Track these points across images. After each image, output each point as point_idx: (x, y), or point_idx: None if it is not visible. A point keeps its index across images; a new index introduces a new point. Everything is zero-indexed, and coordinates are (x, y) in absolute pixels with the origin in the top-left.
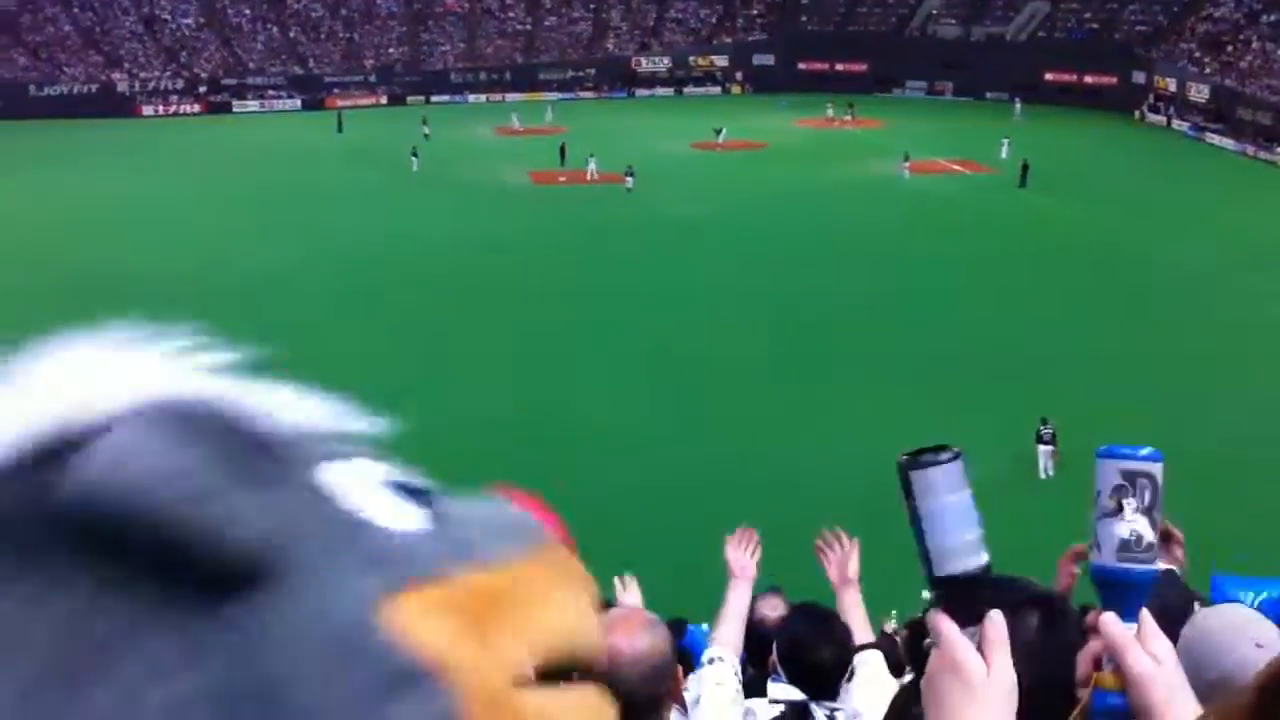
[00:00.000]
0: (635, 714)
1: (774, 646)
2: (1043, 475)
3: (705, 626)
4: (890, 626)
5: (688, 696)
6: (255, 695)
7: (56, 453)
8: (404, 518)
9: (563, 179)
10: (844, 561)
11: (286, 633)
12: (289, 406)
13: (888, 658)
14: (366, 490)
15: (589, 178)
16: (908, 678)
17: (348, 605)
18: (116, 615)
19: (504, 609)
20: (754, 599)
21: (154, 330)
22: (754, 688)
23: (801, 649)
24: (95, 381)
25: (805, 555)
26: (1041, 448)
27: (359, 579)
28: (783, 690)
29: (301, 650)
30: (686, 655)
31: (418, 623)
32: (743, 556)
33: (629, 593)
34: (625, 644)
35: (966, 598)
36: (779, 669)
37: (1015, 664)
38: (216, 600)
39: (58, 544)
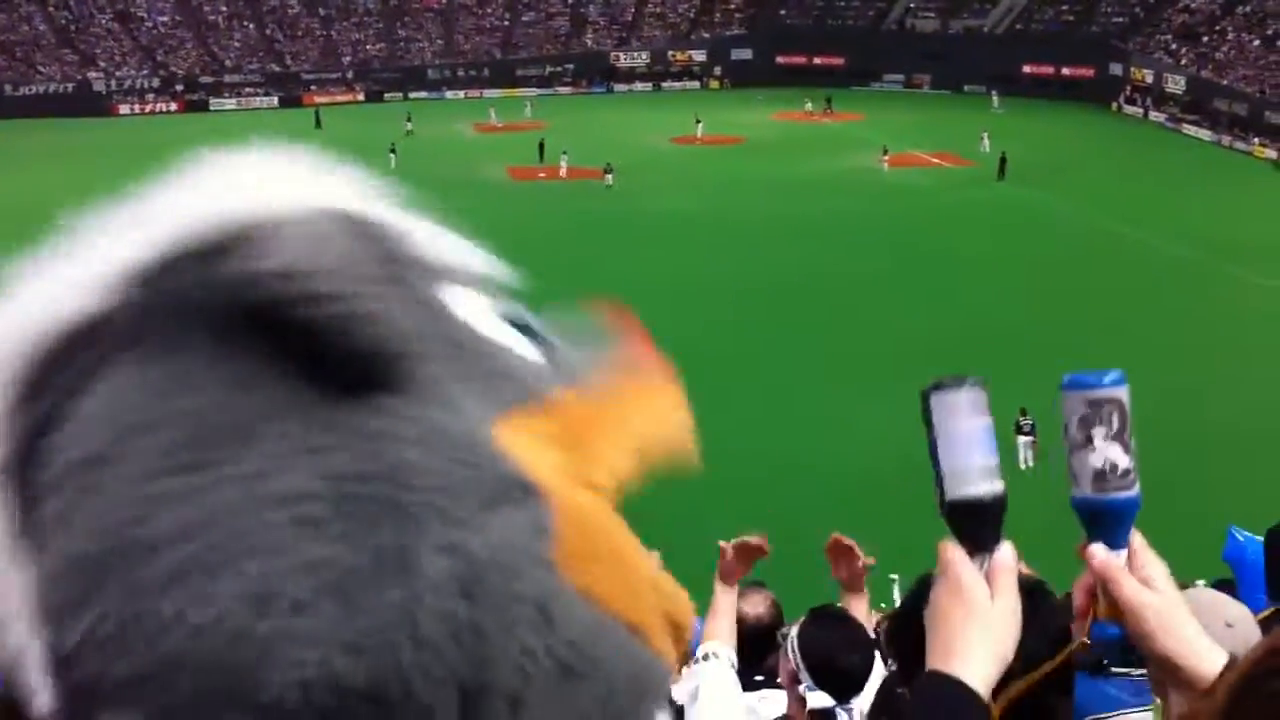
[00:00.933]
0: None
1: (797, 654)
2: (1022, 466)
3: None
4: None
5: (683, 692)
6: (374, 488)
7: (228, 245)
8: (519, 346)
9: (542, 175)
10: (852, 564)
11: (414, 431)
12: (433, 236)
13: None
14: (490, 318)
15: (560, 174)
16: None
17: (467, 415)
18: (259, 398)
19: (602, 428)
20: (738, 594)
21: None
22: (747, 684)
23: (835, 658)
24: (269, 184)
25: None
26: (1021, 438)
27: (478, 394)
28: (815, 698)
29: (425, 448)
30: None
31: (523, 442)
32: (731, 565)
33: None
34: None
35: (976, 530)
36: (805, 676)
37: None
38: (354, 394)
39: (216, 324)
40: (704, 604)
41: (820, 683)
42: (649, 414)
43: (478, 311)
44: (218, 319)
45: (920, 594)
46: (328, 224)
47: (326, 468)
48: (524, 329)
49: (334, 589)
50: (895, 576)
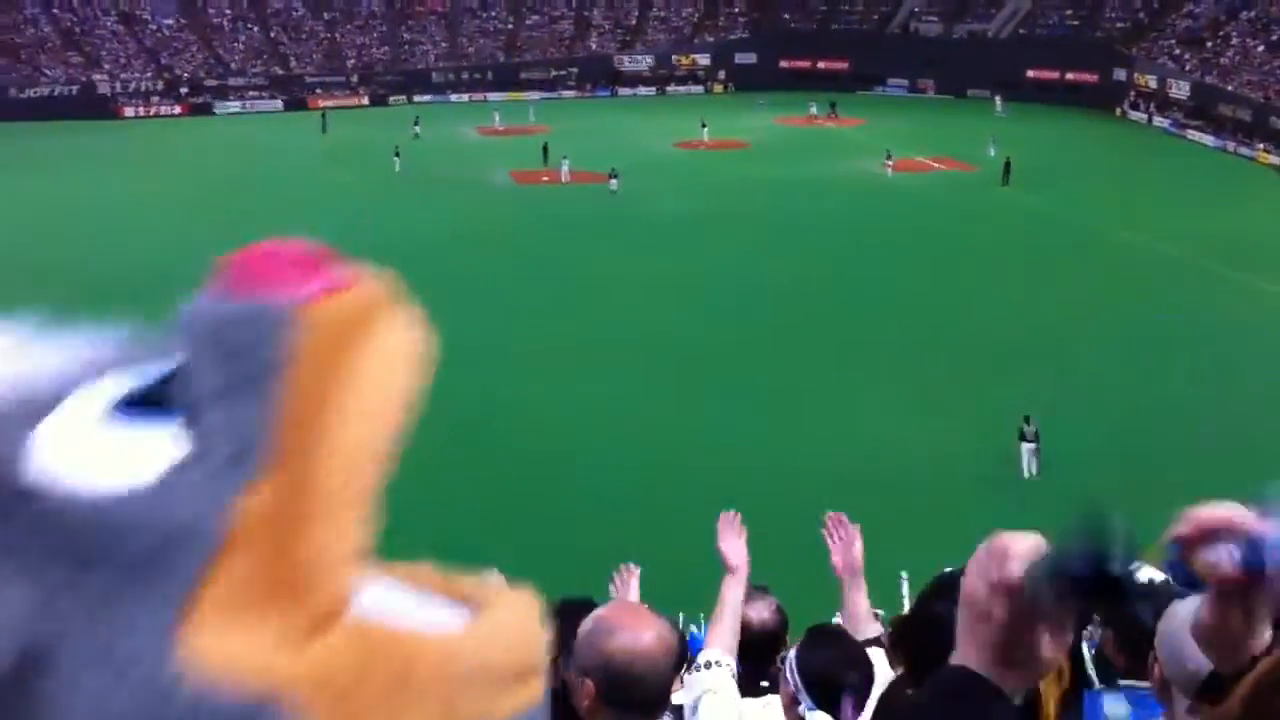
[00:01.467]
0: (647, 708)
1: (796, 671)
2: (1026, 474)
3: (695, 630)
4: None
5: (684, 699)
6: None
7: None
8: (156, 455)
9: (545, 178)
10: (848, 548)
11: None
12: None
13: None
14: (93, 448)
15: (562, 179)
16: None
17: (136, 667)
18: None
19: (297, 511)
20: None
21: None
22: (741, 687)
23: (834, 678)
24: None
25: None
26: (1024, 445)
27: (135, 621)
28: (816, 717)
29: None
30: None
31: (219, 642)
32: (736, 546)
33: (630, 587)
34: (632, 640)
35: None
36: (803, 694)
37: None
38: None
39: None
40: (701, 598)
41: (819, 702)
42: (367, 398)
43: (74, 442)
44: None
45: (936, 596)
46: None
47: None
48: (154, 401)
49: None
50: (905, 575)
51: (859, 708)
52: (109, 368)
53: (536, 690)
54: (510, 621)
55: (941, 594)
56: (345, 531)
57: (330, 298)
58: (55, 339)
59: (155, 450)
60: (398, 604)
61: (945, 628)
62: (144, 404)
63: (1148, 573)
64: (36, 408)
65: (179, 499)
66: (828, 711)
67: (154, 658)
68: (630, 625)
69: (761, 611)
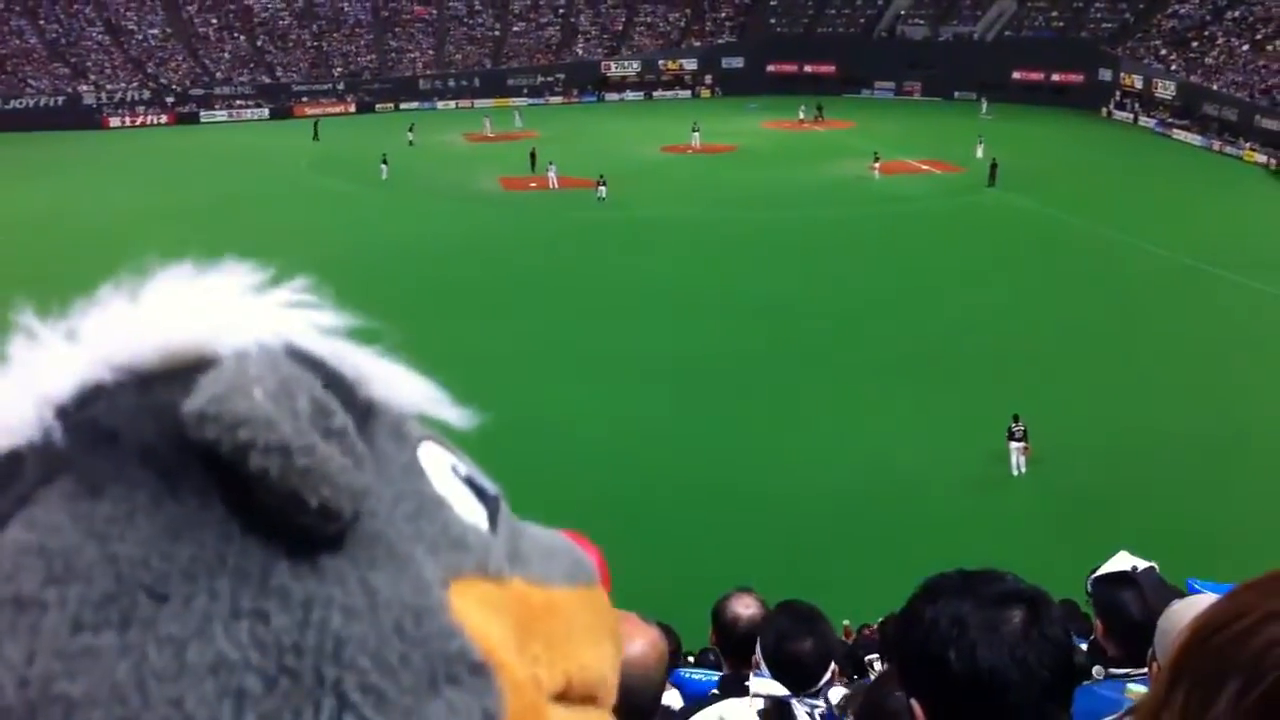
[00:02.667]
0: (638, 715)
1: (758, 644)
2: (1015, 472)
3: (686, 673)
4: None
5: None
6: (310, 661)
7: (170, 375)
8: (472, 511)
9: (533, 184)
10: None
11: (358, 598)
12: (390, 378)
13: (849, 657)
14: (446, 476)
15: (550, 185)
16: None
17: (420, 581)
18: (193, 548)
19: (547, 628)
20: (725, 599)
21: (271, 278)
22: (730, 685)
23: (785, 640)
24: (216, 313)
25: (782, 556)
26: (1013, 444)
27: (431, 558)
28: (765, 685)
29: (370, 618)
30: (672, 659)
31: (475, 613)
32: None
33: None
34: (646, 649)
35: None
36: (762, 665)
37: (998, 657)
38: (298, 554)
39: (150, 461)
40: (695, 612)
41: (773, 668)
42: (591, 635)
43: (438, 466)
44: (152, 455)
45: (924, 600)
46: (278, 362)
47: (261, 636)
48: (481, 492)
49: None
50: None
51: (813, 678)
52: (461, 455)
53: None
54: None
55: (929, 597)
56: (552, 666)
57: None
58: None
59: (473, 510)
60: None
61: (931, 629)
62: (468, 483)
63: (1129, 560)
64: (422, 431)
65: (483, 536)
66: (780, 679)
67: (431, 584)
68: (625, 636)
69: (749, 607)
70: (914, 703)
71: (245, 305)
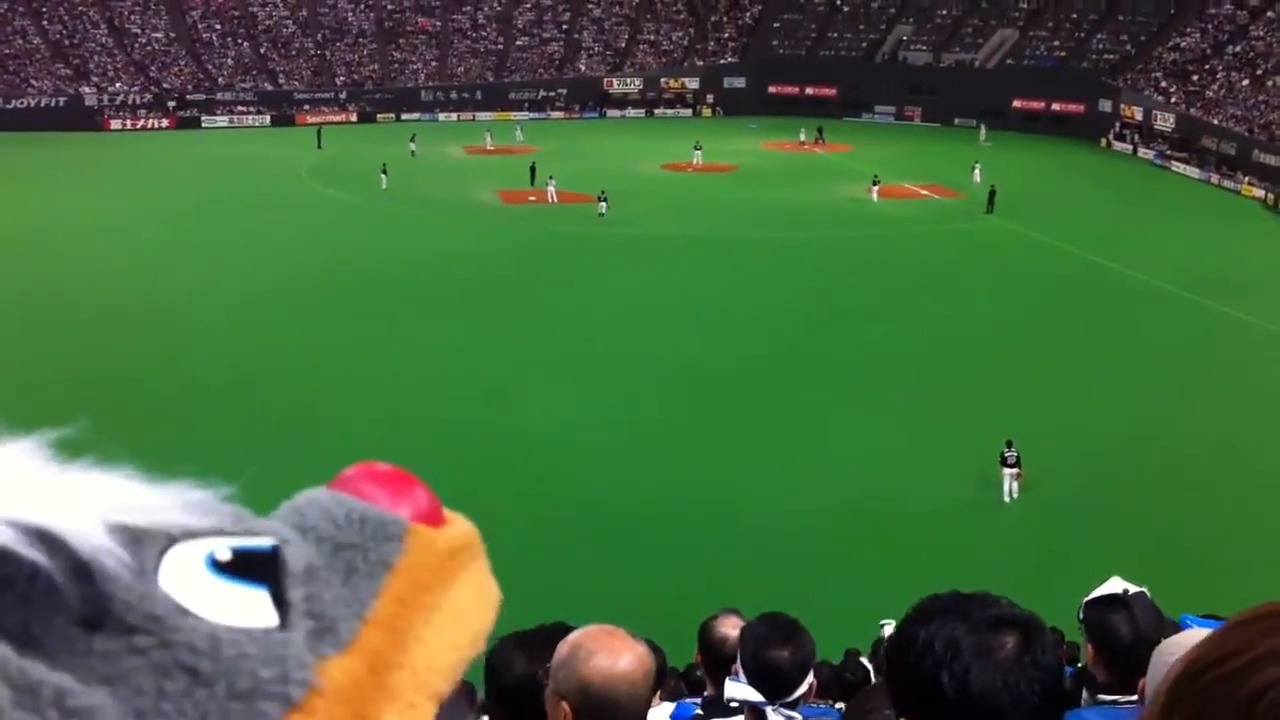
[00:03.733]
0: None
1: (737, 652)
2: (1007, 499)
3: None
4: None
5: None
6: None
7: None
8: (251, 608)
9: (532, 198)
10: None
11: None
12: (100, 500)
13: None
14: (204, 583)
15: (549, 200)
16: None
17: None
18: None
19: (387, 676)
20: (713, 619)
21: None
22: (714, 707)
23: (763, 648)
24: None
25: (770, 574)
26: (1005, 470)
27: None
28: (741, 690)
29: None
30: (659, 677)
31: None
32: None
33: None
34: (609, 663)
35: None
36: (740, 672)
37: (991, 682)
38: None
39: None
40: (685, 630)
41: (750, 675)
42: (444, 621)
43: (183, 583)
44: None
45: (916, 621)
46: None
47: None
48: (255, 565)
49: None
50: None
51: (789, 687)
52: (220, 527)
53: None
54: None
55: (923, 619)
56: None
57: (435, 528)
58: (171, 487)
59: (252, 606)
60: None
61: (925, 651)
62: (236, 568)
63: (1120, 584)
64: (162, 538)
65: (275, 651)
66: (756, 686)
67: None
68: (608, 648)
69: (736, 627)
70: None
71: None
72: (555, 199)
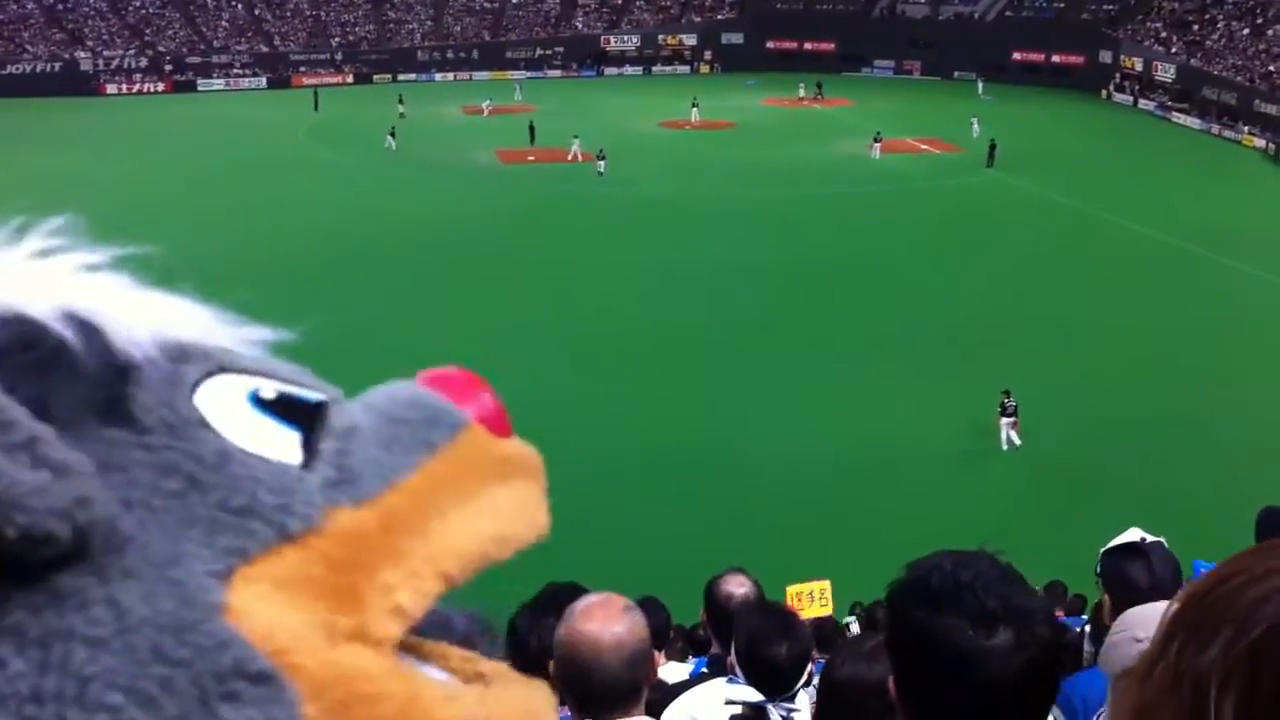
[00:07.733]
0: (616, 700)
1: (732, 646)
2: (1005, 447)
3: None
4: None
5: None
6: (58, 701)
7: None
8: (277, 445)
9: (531, 158)
10: None
11: (103, 626)
12: (160, 316)
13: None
14: (239, 412)
15: (570, 158)
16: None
17: (185, 585)
18: None
19: (400, 537)
20: (718, 577)
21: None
22: (719, 665)
23: (758, 645)
24: None
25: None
26: (1004, 419)
27: (206, 547)
28: (739, 691)
29: (120, 645)
30: (661, 636)
31: (263, 607)
32: None
33: None
34: (602, 631)
35: None
36: (736, 669)
37: (986, 679)
38: (31, 583)
39: None
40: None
41: (747, 672)
42: (458, 506)
43: (218, 406)
44: None
45: (917, 597)
46: (22, 335)
47: None
48: (297, 410)
49: None
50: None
51: (788, 683)
52: (274, 371)
53: None
54: (521, 699)
55: (919, 597)
56: (414, 588)
57: (494, 435)
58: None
59: (279, 442)
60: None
61: (920, 632)
62: (276, 408)
63: (1138, 533)
64: (211, 363)
65: (285, 483)
66: (754, 684)
67: (199, 586)
68: (587, 614)
69: (743, 585)
70: (891, 684)
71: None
72: (579, 158)
